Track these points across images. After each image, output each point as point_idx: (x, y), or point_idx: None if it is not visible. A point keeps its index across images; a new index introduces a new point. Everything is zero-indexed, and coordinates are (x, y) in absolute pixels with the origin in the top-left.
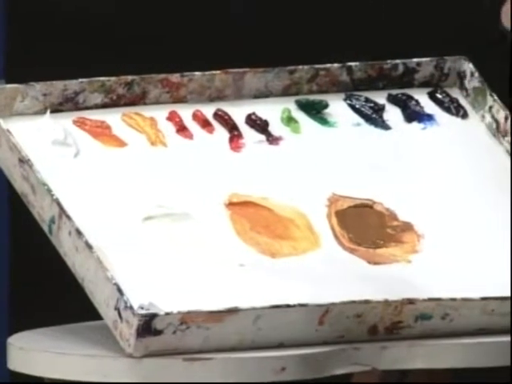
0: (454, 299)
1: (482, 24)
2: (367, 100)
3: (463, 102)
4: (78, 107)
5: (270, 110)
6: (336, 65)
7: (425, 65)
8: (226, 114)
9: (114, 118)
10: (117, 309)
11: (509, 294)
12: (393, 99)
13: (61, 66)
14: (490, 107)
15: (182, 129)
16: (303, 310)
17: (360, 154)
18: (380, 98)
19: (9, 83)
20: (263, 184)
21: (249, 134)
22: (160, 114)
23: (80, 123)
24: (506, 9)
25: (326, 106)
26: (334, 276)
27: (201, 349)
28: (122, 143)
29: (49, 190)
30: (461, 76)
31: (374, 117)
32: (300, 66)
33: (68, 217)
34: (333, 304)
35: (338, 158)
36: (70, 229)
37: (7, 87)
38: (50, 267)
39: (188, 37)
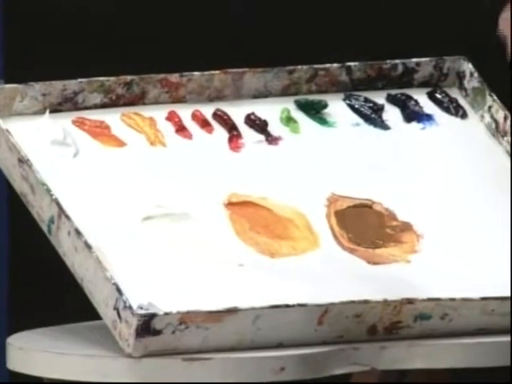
0: (453, 299)
1: (481, 24)
2: (366, 100)
3: (462, 102)
4: (77, 107)
5: (270, 110)
6: (335, 65)
7: (424, 65)
8: (226, 113)
9: (113, 118)
10: (116, 309)
11: (509, 294)
12: (392, 99)
13: (60, 66)
14: (490, 107)
15: (181, 129)
16: (302, 310)
17: (359, 154)
18: (379, 98)
19: (8, 83)
20: (262, 184)
21: (248, 134)
22: (159, 113)
23: (79, 123)
24: (504, 16)
25: (326, 105)
26: (333, 276)
27: (200, 349)
28: (121, 143)
29: (48, 190)
30: (460, 76)
31: (373, 117)
32: (299, 66)
33: (67, 217)
34: (332, 304)
35: (337, 158)
36: (69, 229)
37: (6, 87)
38: (49, 267)
39: (188, 37)
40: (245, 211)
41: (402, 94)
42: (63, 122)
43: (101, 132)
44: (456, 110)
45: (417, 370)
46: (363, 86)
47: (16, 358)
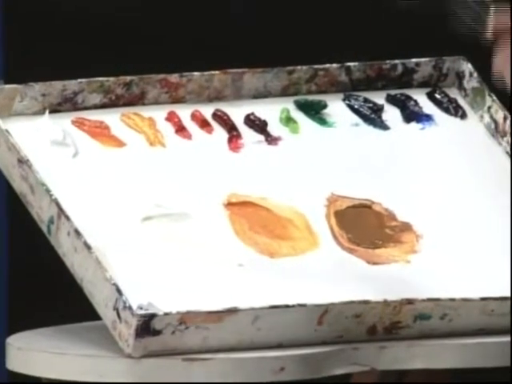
0: (453, 299)
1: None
2: (366, 100)
3: (462, 102)
4: (76, 107)
5: (269, 110)
6: (335, 65)
7: (423, 65)
8: (225, 114)
9: (112, 118)
10: (116, 309)
11: (509, 294)
12: (391, 99)
13: (60, 66)
14: (489, 107)
15: (180, 129)
16: (302, 310)
17: (359, 154)
18: (379, 98)
19: (8, 83)
20: (262, 184)
21: (248, 134)
22: (159, 114)
23: (79, 123)
24: (498, 58)
25: (325, 106)
26: (333, 276)
27: (200, 349)
28: (120, 143)
29: (47, 190)
30: (459, 76)
31: (372, 117)
32: (299, 67)
33: (67, 217)
34: (332, 304)
35: (336, 158)
36: (68, 229)
37: (6, 87)
38: (48, 267)
39: (188, 37)
40: (244, 211)
41: (402, 95)
42: (63, 123)
43: (100, 132)
44: (455, 110)
45: (416, 370)
46: (363, 87)
47: (15, 358)
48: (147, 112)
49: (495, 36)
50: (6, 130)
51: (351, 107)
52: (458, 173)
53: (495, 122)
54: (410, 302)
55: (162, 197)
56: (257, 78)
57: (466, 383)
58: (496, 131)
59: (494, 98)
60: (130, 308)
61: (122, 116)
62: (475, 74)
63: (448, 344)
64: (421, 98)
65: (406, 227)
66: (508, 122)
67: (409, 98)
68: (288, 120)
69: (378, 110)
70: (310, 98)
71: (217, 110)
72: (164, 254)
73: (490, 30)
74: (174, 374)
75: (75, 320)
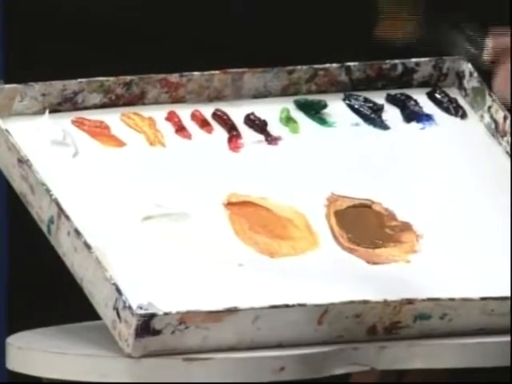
0: (452, 299)
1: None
2: (366, 100)
3: (462, 102)
4: (76, 107)
5: (269, 110)
6: (335, 65)
7: (423, 65)
8: (225, 114)
9: (112, 118)
10: (115, 309)
11: (509, 294)
12: (392, 99)
13: (60, 66)
14: (489, 107)
15: (180, 129)
16: (302, 309)
17: (359, 154)
18: (379, 98)
19: (8, 83)
20: (262, 184)
21: (247, 134)
22: (159, 114)
23: (79, 123)
24: (497, 80)
25: (325, 106)
26: (332, 276)
27: (200, 349)
28: (120, 143)
29: (47, 190)
30: (460, 76)
31: (372, 117)
32: (299, 66)
33: (67, 217)
34: (332, 304)
35: (336, 158)
36: (68, 229)
37: (6, 87)
38: (48, 267)
39: (188, 37)
40: (244, 211)
41: (402, 94)
42: (63, 122)
43: (100, 132)
44: (456, 110)
45: (416, 370)
46: (363, 86)
47: (15, 358)
48: (147, 112)
49: (494, 58)
50: (6, 130)
51: (351, 107)
52: (458, 173)
53: (495, 121)
54: (410, 301)
55: (161, 197)
56: (257, 78)
57: (465, 383)
58: (496, 131)
59: (494, 97)
60: (129, 308)
61: (121, 116)
62: (475, 74)
63: (448, 344)
64: (421, 98)
65: (406, 227)
66: (508, 121)
67: (409, 97)
68: (288, 120)
69: (378, 109)
70: (310, 97)
71: (217, 109)
72: (164, 253)
73: (488, 53)
74: (173, 374)
75: (75, 320)
